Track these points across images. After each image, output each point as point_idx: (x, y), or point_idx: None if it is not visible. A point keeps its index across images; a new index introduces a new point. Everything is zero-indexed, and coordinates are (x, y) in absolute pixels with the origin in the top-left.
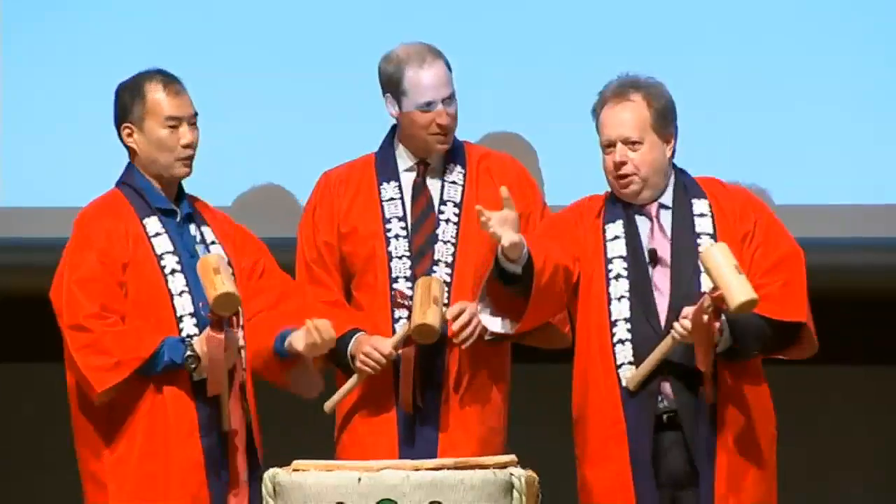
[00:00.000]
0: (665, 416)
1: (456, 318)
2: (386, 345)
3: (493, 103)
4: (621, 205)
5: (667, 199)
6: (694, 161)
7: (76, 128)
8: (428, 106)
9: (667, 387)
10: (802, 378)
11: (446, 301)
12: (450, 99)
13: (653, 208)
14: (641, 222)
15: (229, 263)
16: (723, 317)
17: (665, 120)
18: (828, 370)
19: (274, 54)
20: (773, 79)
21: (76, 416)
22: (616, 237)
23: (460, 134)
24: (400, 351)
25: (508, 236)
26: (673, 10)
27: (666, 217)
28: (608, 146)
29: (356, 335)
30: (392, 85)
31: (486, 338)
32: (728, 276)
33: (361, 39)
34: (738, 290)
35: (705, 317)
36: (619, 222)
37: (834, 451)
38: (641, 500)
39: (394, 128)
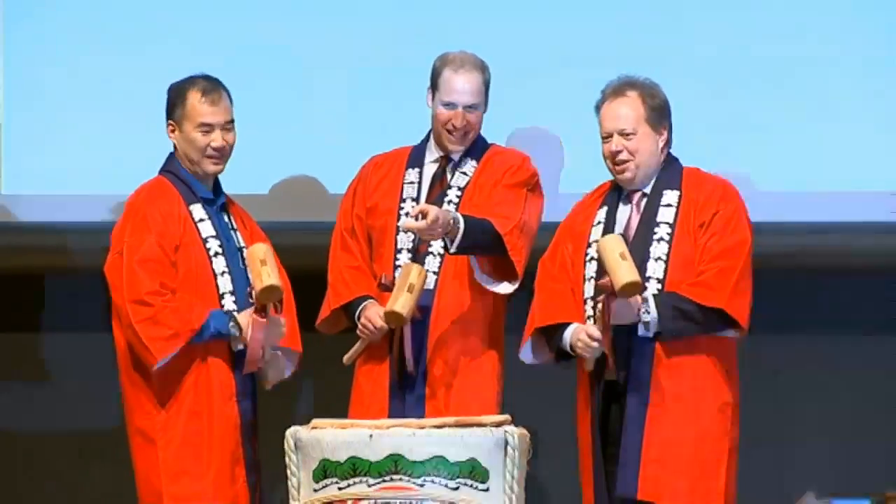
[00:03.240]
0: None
1: (415, 215)
2: (378, 318)
3: (522, 101)
4: (615, 193)
5: (648, 188)
6: (693, 151)
7: (77, 117)
8: (448, 105)
9: (610, 361)
10: (771, 346)
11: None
12: (472, 107)
13: (636, 197)
14: (625, 210)
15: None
16: (648, 299)
17: (658, 115)
18: (791, 338)
19: (312, 48)
20: (766, 73)
21: (127, 380)
22: (599, 222)
23: (495, 132)
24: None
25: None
26: (667, 4)
27: (643, 205)
28: (607, 137)
29: (365, 302)
30: (433, 79)
31: (451, 251)
32: (613, 262)
33: (396, 40)
34: (619, 275)
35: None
36: (605, 209)
37: (798, 411)
38: (596, 459)
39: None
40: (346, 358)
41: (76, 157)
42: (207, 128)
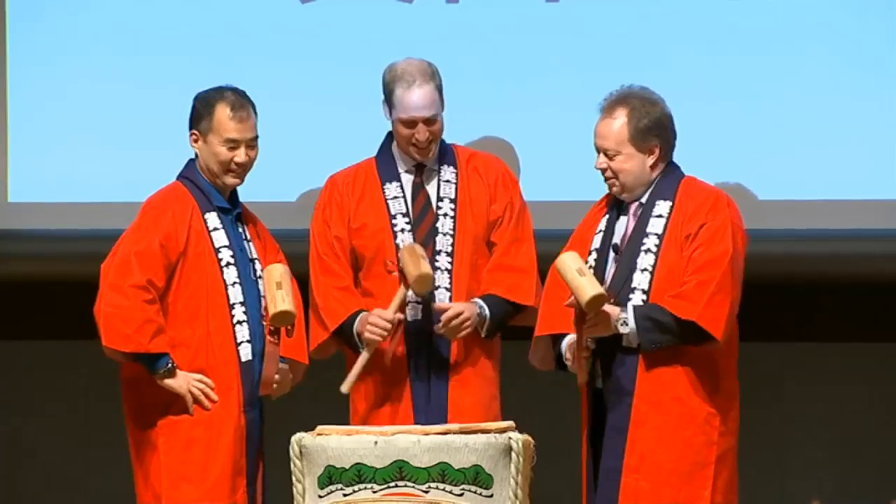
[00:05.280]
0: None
1: (452, 317)
2: (388, 311)
3: (484, 106)
4: (617, 202)
5: (645, 198)
6: (692, 160)
7: (83, 126)
8: (408, 123)
9: (599, 369)
10: (772, 354)
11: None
12: (432, 119)
13: (633, 207)
14: (624, 219)
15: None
16: (628, 310)
17: (645, 134)
18: (792, 346)
19: (339, 56)
20: (767, 80)
21: (131, 384)
22: (600, 231)
23: (458, 134)
24: (401, 314)
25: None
26: (665, 14)
27: (639, 215)
28: (597, 152)
29: (359, 315)
30: (387, 95)
31: (483, 335)
32: (572, 280)
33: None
34: (582, 292)
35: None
36: (606, 217)
37: (800, 419)
38: (588, 463)
39: (390, 133)
40: (346, 386)
41: (83, 166)
42: (233, 144)
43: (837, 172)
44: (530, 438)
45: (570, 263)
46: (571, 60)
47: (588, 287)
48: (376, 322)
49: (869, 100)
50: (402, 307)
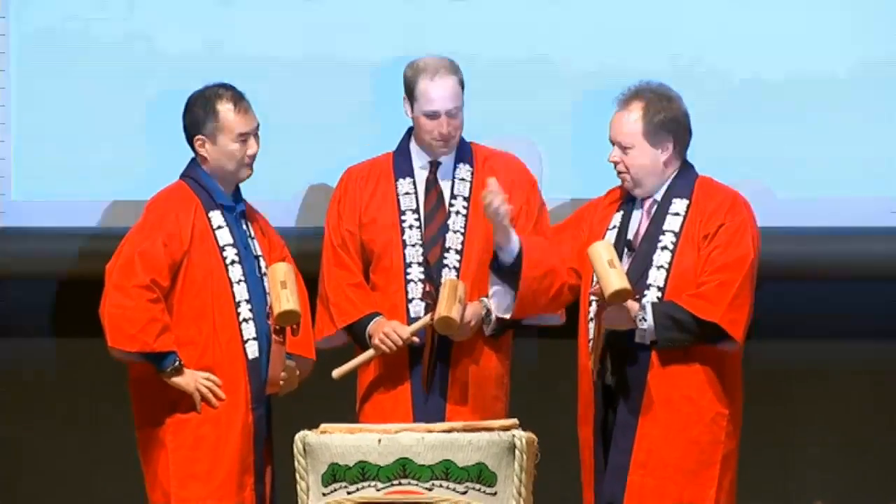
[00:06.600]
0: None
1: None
2: (405, 330)
3: (484, 106)
4: (630, 198)
5: (660, 195)
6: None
7: (86, 123)
8: (433, 115)
9: (609, 364)
10: (776, 352)
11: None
12: (454, 111)
13: (647, 203)
14: (637, 215)
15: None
16: (646, 307)
17: (660, 129)
18: (795, 345)
19: (334, 55)
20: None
21: (137, 383)
22: (614, 227)
23: (475, 134)
24: (417, 338)
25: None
26: (679, 12)
27: (653, 212)
28: (612, 145)
29: (375, 318)
30: (409, 90)
31: (487, 333)
32: (601, 270)
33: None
34: (608, 282)
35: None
36: (620, 213)
37: (799, 418)
38: (597, 458)
39: (410, 129)
40: (338, 372)
41: (86, 164)
42: (244, 137)
43: (838, 171)
44: (534, 436)
45: (602, 252)
46: (575, 61)
47: (616, 279)
48: (390, 335)
49: (880, 100)
50: (421, 332)
